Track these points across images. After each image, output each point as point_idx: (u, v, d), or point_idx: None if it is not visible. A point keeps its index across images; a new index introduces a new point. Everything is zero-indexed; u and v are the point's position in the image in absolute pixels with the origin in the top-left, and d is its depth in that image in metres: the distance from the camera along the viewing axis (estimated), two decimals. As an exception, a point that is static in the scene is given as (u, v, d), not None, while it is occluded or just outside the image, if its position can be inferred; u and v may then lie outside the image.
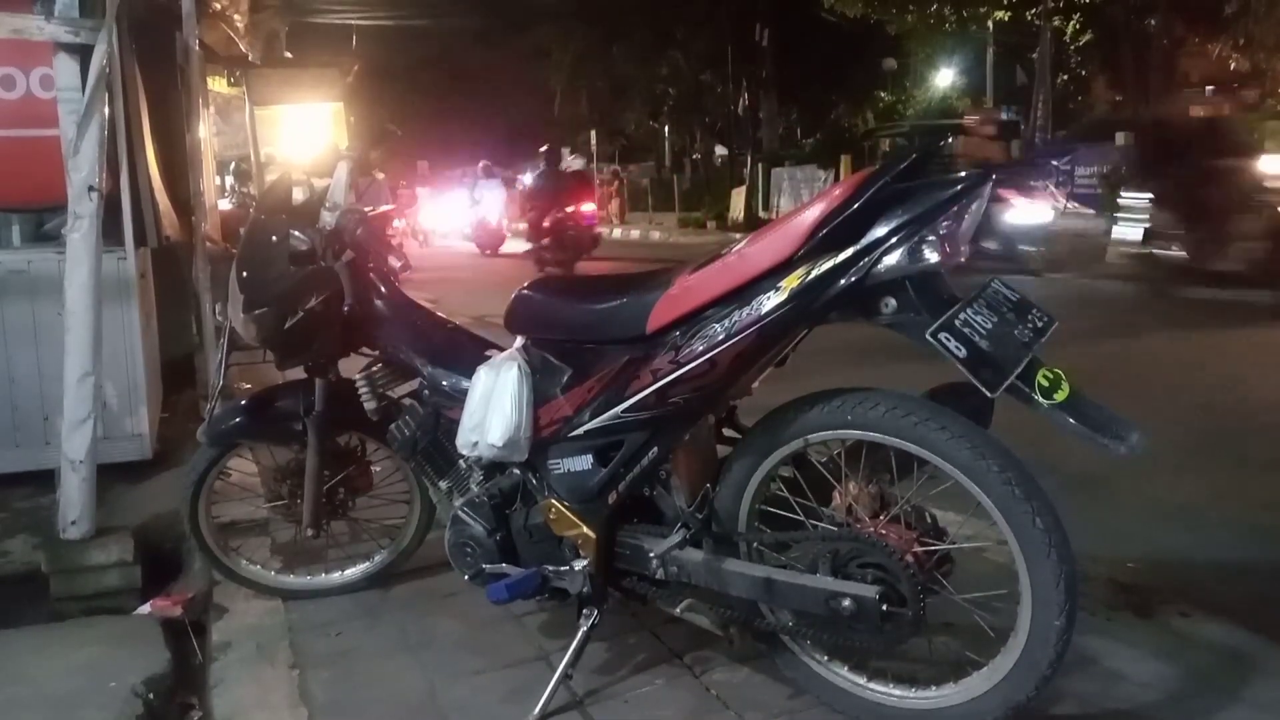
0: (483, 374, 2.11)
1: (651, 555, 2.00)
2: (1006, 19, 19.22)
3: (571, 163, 14.92)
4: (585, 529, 2.03)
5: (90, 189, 2.92)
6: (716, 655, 2.20)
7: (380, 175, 11.97)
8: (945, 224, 1.67)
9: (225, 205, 7.18)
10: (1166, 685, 2.06)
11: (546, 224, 11.91)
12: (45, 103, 3.68)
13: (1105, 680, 2.06)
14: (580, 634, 2.07)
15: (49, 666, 2.41)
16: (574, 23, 27.01)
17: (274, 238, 2.38)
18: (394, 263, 2.38)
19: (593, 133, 33.97)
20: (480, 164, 19.06)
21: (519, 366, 2.07)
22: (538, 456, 2.10)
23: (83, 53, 2.97)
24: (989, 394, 1.66)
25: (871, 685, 1.92)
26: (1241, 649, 2.19)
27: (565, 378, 2.05)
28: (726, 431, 2.10)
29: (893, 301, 1.72)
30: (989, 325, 1.68)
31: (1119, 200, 10.06)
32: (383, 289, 2.43)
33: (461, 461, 2.25)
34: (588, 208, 12.49)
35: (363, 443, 2.71)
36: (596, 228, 12.88)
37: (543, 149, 13.57)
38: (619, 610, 2.29)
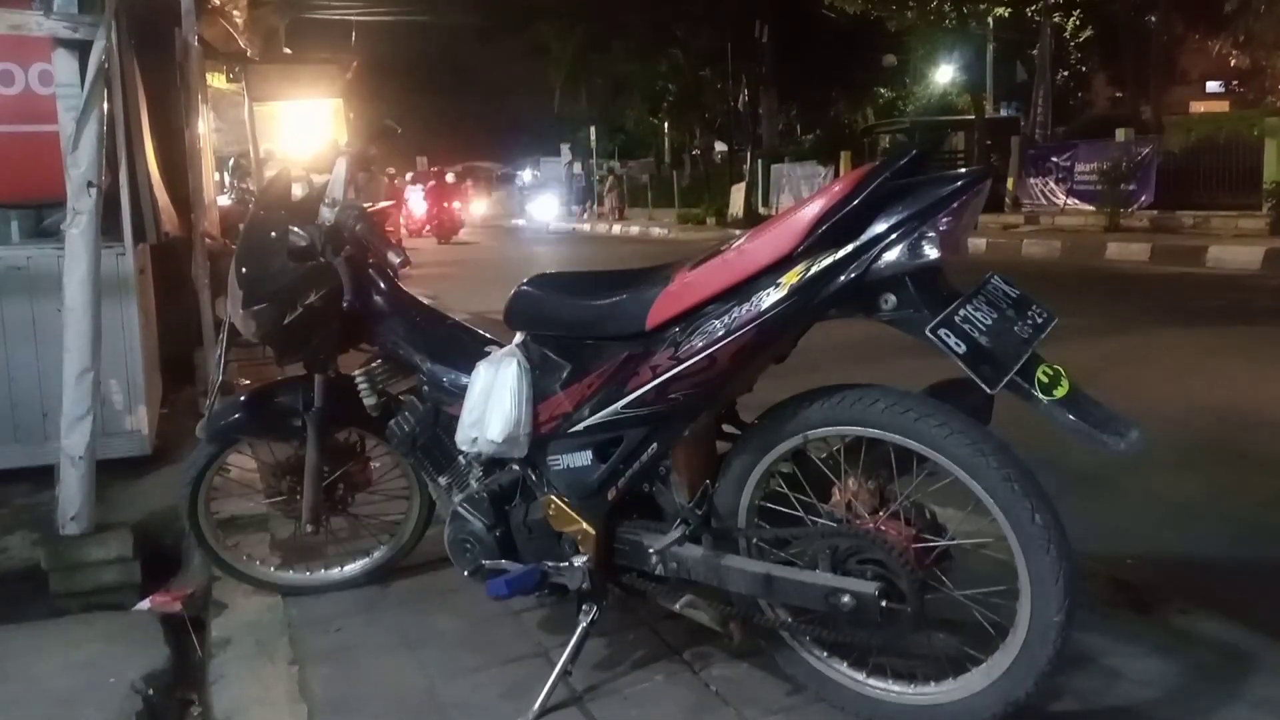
0: (482, 370, 2.11)
1: (651, 551, 2.00)
2: (1006, 15, 19.22)
3: (450, 176, 23.87)
4: (585, 525, 2.03)
5: (89, 185, 2.92)
6: (716, 651, 2.20)
7: (392, 170, 19.83)
8: (945, 220, 1.67)
9: (224, 201, 7.18)
10: (1165, 682, 2.06)
11: (433, 213, 22.51)
12: (44, 98, 3.67)
13: (1104, 677, 2.06)
14: (579, 630, 2.07)
15: (48, 663, 2.41)
16: (573, 19, 27.00)
17: (273, 234, 2.38)
18: (393, 258, 2.37)
19: (592, 129, 33.98)
20: (408, 174, 25.88)
21: (518, 362, 2.07)
22: (537, 452, 2.10)
23: (81, 48, 2.97)
24: (988, 390, 1.65)
25: (870, 681, 1.92)
26: (1240, 646, 2.19)
27: (565, 374, 2.05)
28: (726, 428, 2.10)
29: (892, 298, 1.72)
30: (989, 321, 1.68)
31: None
32: (382, 285, 2.43)
33: (461, 457, 2.25)
34: (459, 204, 23.61)
35: (362, 439, 2.70)
36: (460, 217, 23.42)
37: (434, 169, 25.00)
38: (618, 606, 2.29)
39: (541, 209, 29.03)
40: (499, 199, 36.45)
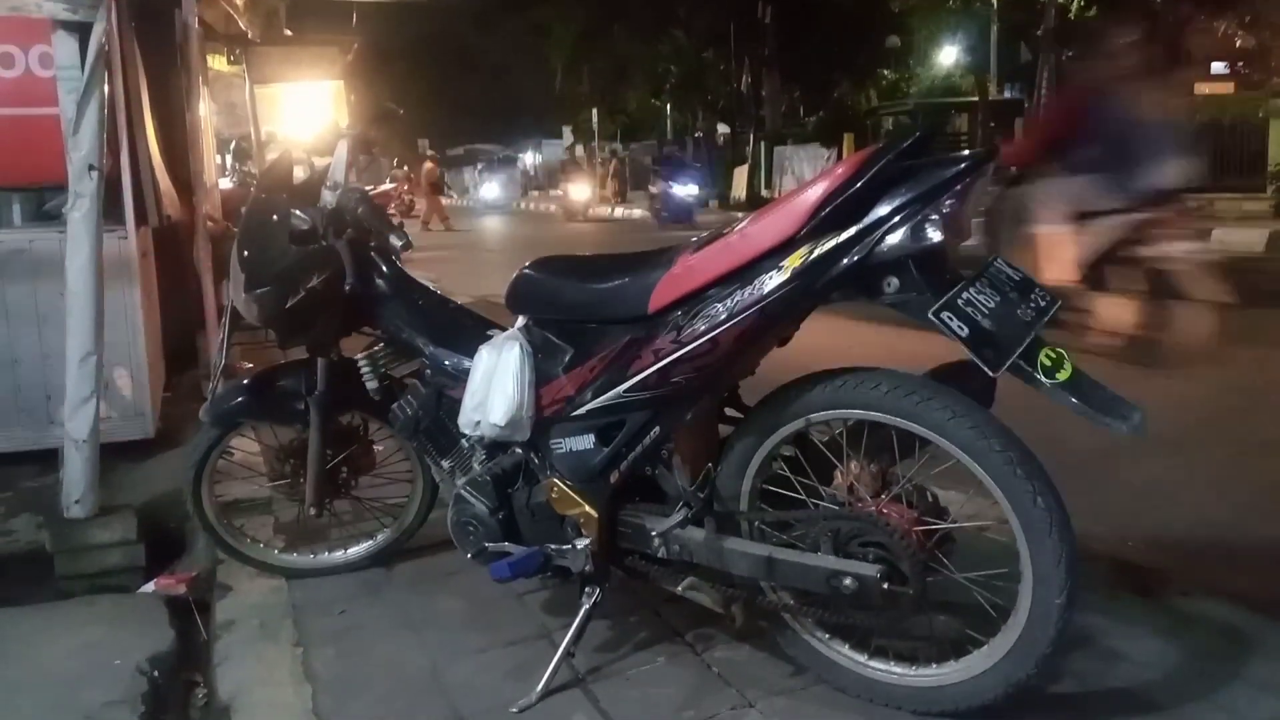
0: (484, 353, 2.11)
1: (653, 534, 2.01)
2: (1011, -5, 19.08)
3: (397, 174, 25.59)
4: (587, 508, 2.04)
5: (90, 168, 2.91)
6: (718, 633, 2.21)
7: (428, 167, 23.81)
8: (948, 203, 1.66)
9: (226, 184, 7.17)
10: (1166, 664, 2.07)
11: (404, 199, 24.24)
12: (44, 81, 3.67)
13: (1105, 659, 2.07)
14: (582, 612, 2.07)
15: (53, 645, 2.43)
16: (575, 0, 26.87)
17: (275, 217, 2.37)
18: (395, 241, 2.37)
19: (594, 111, 33.86)
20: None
21: (521, 346, 2.07)
22: (540, 436, 2.10)
23: (82, 30, 2.96)
24: (991, 373, 1.65)
25: (872, 663, 1.93)
26: (1242, 628, 2.19)
27: (567, 357, 2.05)
28: (729, 411, 2.10)
29: (895, 281, 1.72)
30: (991, 304, 1.68)
31: None
32: (384, 268, 2.42)
33: (464, 441, 2.25)
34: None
35: (365, 422, 2.71)
36: (415, 200, 25.68)
37: (403, 166, 28.06)
38: (621, 589, 2.29)
39: (687, 194, 19.75)
40: (608, 177, 27.46)
